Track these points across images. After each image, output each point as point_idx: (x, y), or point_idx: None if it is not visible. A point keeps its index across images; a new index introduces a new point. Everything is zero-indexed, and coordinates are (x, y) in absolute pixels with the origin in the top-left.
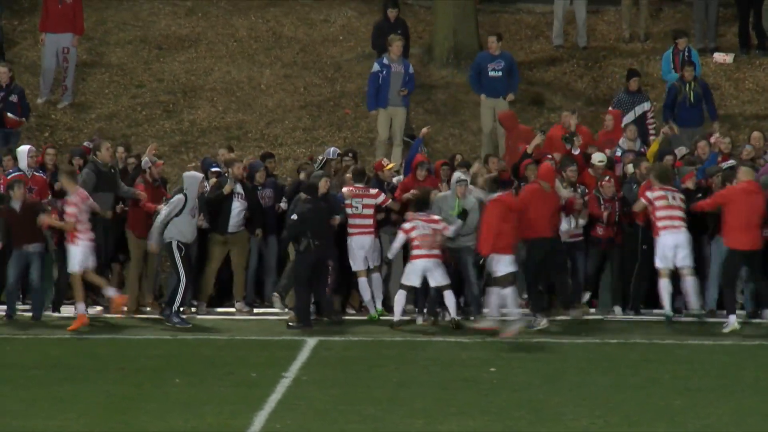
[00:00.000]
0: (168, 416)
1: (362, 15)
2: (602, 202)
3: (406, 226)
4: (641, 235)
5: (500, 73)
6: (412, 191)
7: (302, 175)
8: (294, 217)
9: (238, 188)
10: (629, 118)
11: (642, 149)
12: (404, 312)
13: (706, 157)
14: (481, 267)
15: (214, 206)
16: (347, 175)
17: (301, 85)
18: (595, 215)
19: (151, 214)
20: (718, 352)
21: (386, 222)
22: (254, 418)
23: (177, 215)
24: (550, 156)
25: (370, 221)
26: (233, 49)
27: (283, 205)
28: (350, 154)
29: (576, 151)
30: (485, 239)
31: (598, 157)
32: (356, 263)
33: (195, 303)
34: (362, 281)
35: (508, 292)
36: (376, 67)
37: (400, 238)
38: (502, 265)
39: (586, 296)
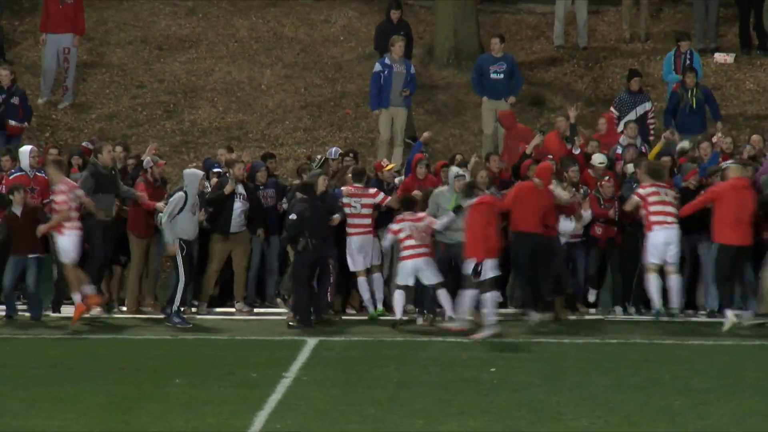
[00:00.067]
0: (168, 416)
1: (363, 15)
2: (602, 202)
3: (394, 227)
4: (642, 234)
5: (502, 75)
6: (414, 192)
7: (304, 177)
8: (292, 216)
9: (240, 188)
10: (630, 118)
11: (643, 147)
12: (405, 312)
13: (708, 157)
14: (478, 273)
15: (215, 206)
16: (348, 175)
17: (301, 85)
18: (597, 214)
19: (151, 212)
20: (718, 352)
21: (386, 221)
22: (255, 418)
23: (178, 213)
24: (550, 156)
25: (369, 221)
26: (234, 50)
27: (284, 205)
28: (351, 155)
29: (576, 151)
30: (474, 244)
31: (598, 159)
32: (355, 263)
33: (195, 303)
34: (361, 281)
35: (489, 296)
36: (377, 67)
37: (389, 238)
38: (485, 269)
39: (593, 295)
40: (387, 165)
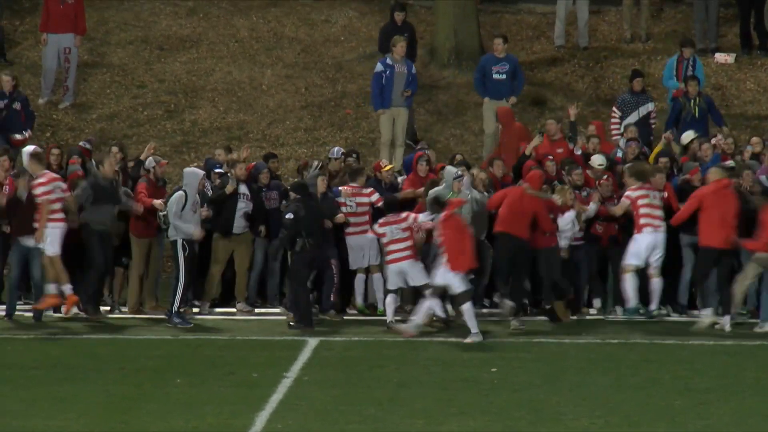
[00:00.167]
0: (169, 416)
1: (363, 15)
2: (602, 201)
3: (378, 230)
4: None
5: (504, 76)
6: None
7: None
8: (289, 215)
9: (243, 189)
10: (633, 118)
11: (643, 149)
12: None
13: (709, 158)
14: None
15: (216, 206)
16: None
17: (302, 85)
18: (600, 212)
19: (152, 212)
20: (718, 352)
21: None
22: (255, 418)
23: (181, 211)
24: (551, 157)
25: (365, 219)
26: (234, 50)
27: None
28: (354, 155)
29: (578, 152)
30: (457, 257)
31: (597, 160)
32: (353, 262)
33: (196, 303)
34: (359, 278)
35: (467, 306)
36: (379, 67)
37: (370, 238)
38: (458, 281)
39: (598, 302)
40: (386, 165)
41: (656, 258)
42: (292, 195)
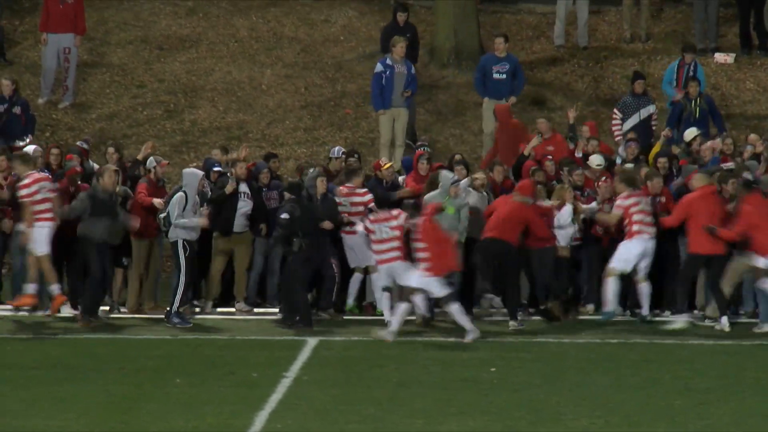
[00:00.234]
0: (168, 416)
1: (363, 15)
2: (600, 202)
3: (369, 226)
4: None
5: (504, 76)
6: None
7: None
8: (284, 215)
9: (244, 188)
10: (633, 120)
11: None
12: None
13: (708, 159)
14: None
15: (217, 206)
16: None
17: (301, 85)
18: (596, 221)
19: (149, 209)
20: (718, 352)
21: None
22: (255, 418)
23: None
24: (550, 157)
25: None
26: (234, 50)
27: None
28: (355, 155)
29: (579, 154)
30: (435, 261)
31: (596, 160)
32: (351, 261)
33: (196, 303)
34: (356, 277)
35: (455, 307)
36: (379, 67)
37: (360, 232)
38: (436, 285)
39: (590, 307)
40: (385, 164)
41: (645, 265)
42: (287, 195)
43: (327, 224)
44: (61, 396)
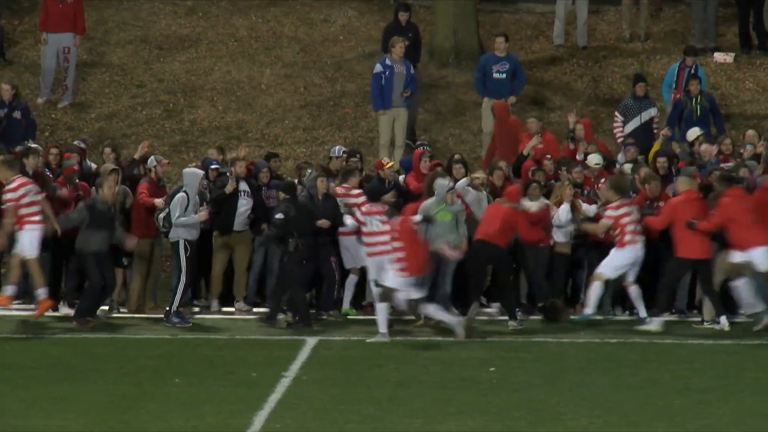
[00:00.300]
0: (168, 416)
1: (362, 15)
2: (598, 203)
3: (360, 218)
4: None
5: (505, 75)
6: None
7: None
8: (279, 216)
9: (244, 186)
10: (635, 123)
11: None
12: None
13: (707, 159)
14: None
15: (217, 205)
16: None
17: (301, 84)
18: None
19: (150, 209)
20: (717, 352)
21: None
22: (254, 417)
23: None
24: (548, 156)
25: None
26: (233, 49)
27: None
28: (357, 155)
29: (580, 156)
30: (409, 261)
31: (594, 160)
32: (347, 262)
33: (196, 302)
34: (351, 278)
35: (431, 306)
36: (378, 68)
37: (350, 223)
38: (410, 287)
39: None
40: (387, 163)
41: (634, 272)
42: (281, 195)
43: (323, 222)
44: (60, 395)
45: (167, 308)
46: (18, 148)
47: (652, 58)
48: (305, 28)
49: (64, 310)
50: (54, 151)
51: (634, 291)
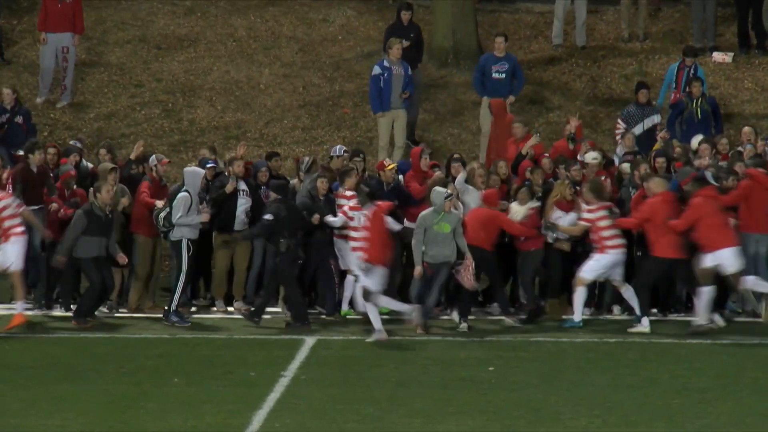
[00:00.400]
0: (167, 416)
1: (361, 14)
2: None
3: (348, 212)
4: (636, 241)
5: (504, 75)
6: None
7: (294, 182)
8: (268, 216)
9: (242, 185)
10: (638, 130)
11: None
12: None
13: (706, 159)
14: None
15: (218, 205)
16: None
17: (300, 84)
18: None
19: (151, 209)
20: (717, 351)
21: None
22: (253, 417)
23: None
24: (547, 155)
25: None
26: (232, 49)
27: None
28: (360, 155)
29: (581, 157)
30: (376, 249)
31: (591, 156)
32: (342, 263)
33: (195, 302)
34: (349, 279)
35: (371, 306)
36: (376, 70)
37: (340, 218)
38: (371, 277)
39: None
40: (389, 164)
41: (618, 273)
42: (272, 195)
43: (315, 218)
44: (60, 395)
45: (165, 308)
46: (20, 152)
47: (651, 58)
48: (304, 27)
49: (59, 314)
50: (52, 150)
51: (626, 291)
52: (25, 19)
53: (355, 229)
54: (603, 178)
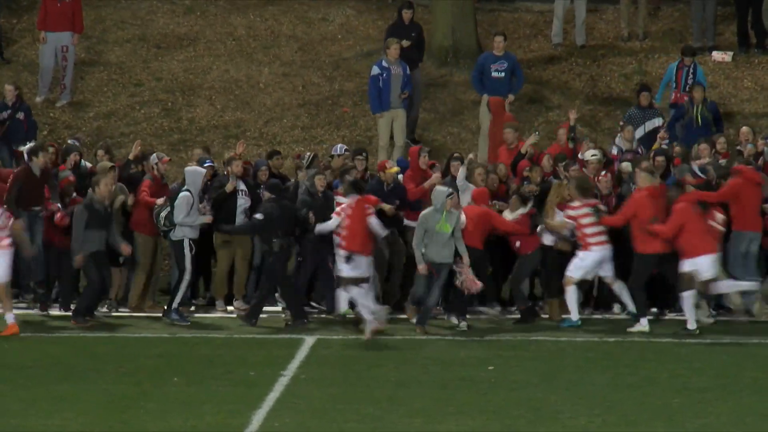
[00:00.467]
0: (167, 415)
1: (361, 13)
2: (600, 197)
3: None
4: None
5: (503, 74)
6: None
7: (300, 175)
8: (259, 216)
9: (241, 185)
10: (639, 133)
11: (639, 149)
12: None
13: (705, 159)
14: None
15: (218, 206)
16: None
17: (299, 83)
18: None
19: (152, 208)
20: (716, 351)
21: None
22: (252, 417)
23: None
24: (547, 154)
25: None
26: (232, 48)
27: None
28: (363, 154)
29: (582, 156)
30: (352, 237)
31: (590, 153)
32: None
33: (194, 302)
34: None
35: (356, 291)
36: (375, 70)
37: (333, 221)
38: (346, 264)
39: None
40: (391, 167)
41: (606, 269)
42: (266, 195)
43: (312, 217)
44: (59, 395)
45: (165, 307)
46: (22, 148)
47: (651, 57)
48: (303, 26)
49: (58, 313)
50: (50, 149)
51: (617, 288)
52: (25, 18)
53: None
54: (604, 172)
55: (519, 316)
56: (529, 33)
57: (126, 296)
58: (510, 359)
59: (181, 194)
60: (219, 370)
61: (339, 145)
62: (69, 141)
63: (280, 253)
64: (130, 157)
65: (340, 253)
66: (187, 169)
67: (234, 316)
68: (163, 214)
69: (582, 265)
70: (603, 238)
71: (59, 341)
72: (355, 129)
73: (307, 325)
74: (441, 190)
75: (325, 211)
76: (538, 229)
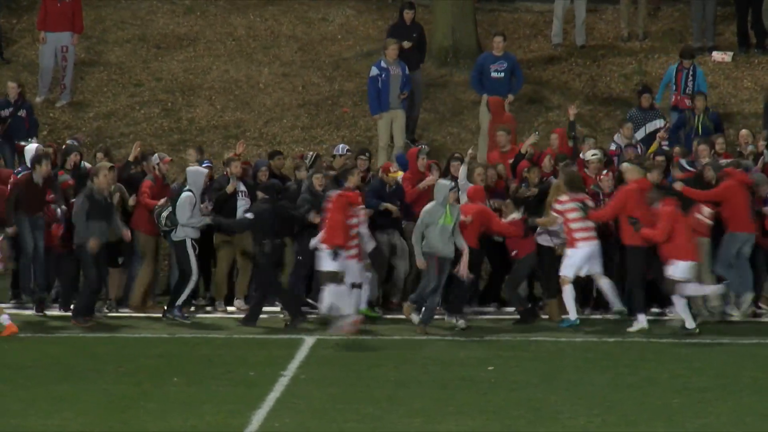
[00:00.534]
0: (167, 415)
1: (360, 14)
2: (601, 197)
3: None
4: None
5: (502, 74)
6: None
7: (299, 174)
8: (249, 215)
9: (241, 186)
10: (640, 134)
11: (638, 147)
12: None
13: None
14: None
15: (218, 206)
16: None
17: (299, 83)
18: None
19: (152, 209)
20: (716, 351)
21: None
22: (252, 417)
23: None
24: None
25: None
26: (231, 48)
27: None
28: (366, 154)
29: (583, 155)
30: (333, 232)
31: (590, 153)
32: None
33: (194, 302)
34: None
35: (331, 287)
36: (374, 71)
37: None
38: (328, 260)
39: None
40: (395, 171)
41: (595, 264)
42: (261, 195)
43: (315, 217)
44: (59, 395)
45: (164, 307)
46: (23, 143)
47: (651, 57)
48: (303, 27)
49: (57, 313)
50: (50, 150)
51: (605, 284)
52: (25, 18)
53: (354, 226)
54: (606, 171)
55: (518, 317)
56: (529, 33)
57: (126, 296)
58: (510, 359)
59: (183, 194)
60: (219, 370)
61: (341, 145)
62: (68, 141)
63: (271, 255)
64: (131, 158)
65: (322, 248)
66: (189, 169)
67: (235, 316)
68: (164, 214)
69: (571, 262)
70: (590, 233)
71: (59, 341)
72: (355, 129)
73: (307, 320)
74: (443, 183)
75: (286, 211)
76: (538, 229)
